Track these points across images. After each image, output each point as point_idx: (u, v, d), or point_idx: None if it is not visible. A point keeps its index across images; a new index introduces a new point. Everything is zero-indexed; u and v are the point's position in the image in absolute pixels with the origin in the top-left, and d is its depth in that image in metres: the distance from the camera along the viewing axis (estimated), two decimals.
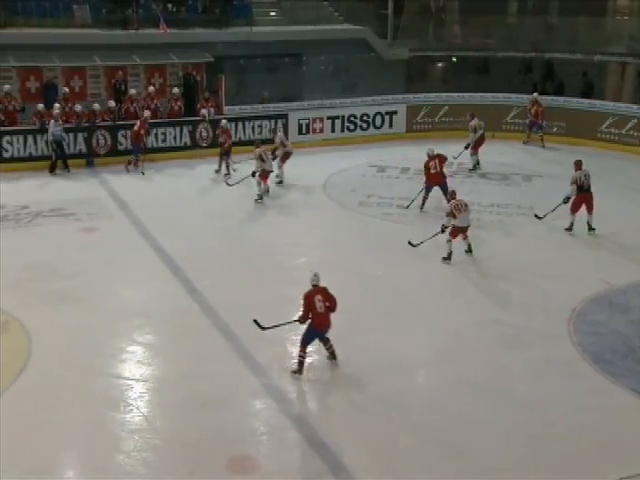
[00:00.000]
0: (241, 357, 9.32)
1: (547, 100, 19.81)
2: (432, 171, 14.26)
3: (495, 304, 10.78)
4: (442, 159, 14.31)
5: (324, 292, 8.72)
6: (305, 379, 9.02)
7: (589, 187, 13.16)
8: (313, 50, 20.41)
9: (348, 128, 19.59)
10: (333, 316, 10.48)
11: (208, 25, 19.91)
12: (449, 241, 12.23)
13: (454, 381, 8.85)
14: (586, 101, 19.57)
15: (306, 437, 7.87)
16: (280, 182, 15.79)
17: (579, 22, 21.58)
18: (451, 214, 12.16)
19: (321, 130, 19.39)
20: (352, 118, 19.61)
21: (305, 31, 20.86)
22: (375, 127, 19.82)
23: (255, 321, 8.91)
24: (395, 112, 19.91)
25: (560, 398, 8.51)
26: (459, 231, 12.26)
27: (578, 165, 13.28)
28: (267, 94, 20.00)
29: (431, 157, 14.35)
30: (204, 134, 18.20)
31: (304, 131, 19.23)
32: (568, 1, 21.95)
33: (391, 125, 19.90)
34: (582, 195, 13.13)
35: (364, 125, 19.76)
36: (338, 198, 15.38)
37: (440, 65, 24.19)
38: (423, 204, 14.47)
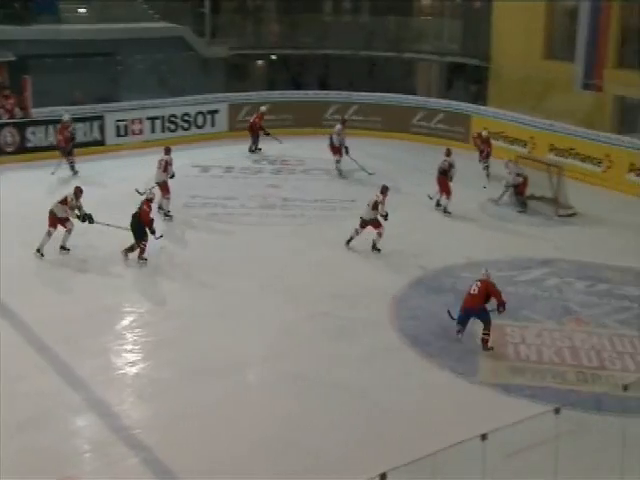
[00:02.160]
0: (59, 372, 8.87)
1: (365, 96, 20.70)
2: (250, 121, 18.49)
3: (323, 296, 11.09)
4: (261, 116, 18.42)
5: (486, 283, 9.71)
6: (131, 390, 8.77)
7: (444, 171, 14.71)
8: (129, 49, 19.85)
9: (169, 129, 19.26)
10: (163, 320, 10.38)
11: (8, 21, 18.71)
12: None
13: (286, 376, 9.00)
14: (400, 96, 20.65)
15: (133, 449, 7.65)
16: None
17: (390, 21, 22.75)
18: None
19: (141, 131, 18.91)
20: (173, 118, 19.31)
21: (119, 29, 20.22)
22: (197, 127, 19.66)
23: (449, 312, 9.83)
24: (217, 111, 19.87)
25: (386, 383, 8.92)
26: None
27: (445, 152, 15.02)
28: (80, 94, 19.15)
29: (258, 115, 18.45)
30: (9, 139, 17.09)
31: (122, 133, 18.64)
32: (378, 1, 23.10)
33: (213, 124, 19.84)
34: (439, 177, 14.79)
35: (186, 125, 19.52)
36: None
37: (260, 63, 24.46)
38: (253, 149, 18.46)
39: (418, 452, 7.26)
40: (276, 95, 20.77)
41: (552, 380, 8.99)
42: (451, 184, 14.75)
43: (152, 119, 19.01)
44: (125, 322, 10.30)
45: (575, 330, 10.15)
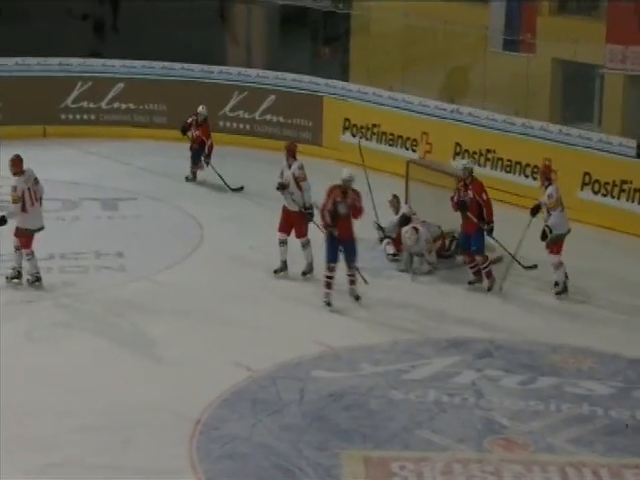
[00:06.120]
0: None
1: (136, 68, 20.78)
2: None
3: (60, 431, 10.85)
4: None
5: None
6: None
7: None
8: None
9: None
10: None
11: None
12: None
13: None
14: (200, 67, 20.97)
15: None
16: None
17: None
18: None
19: None
20: None
21: None
22: None
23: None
24: None
25: None
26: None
27: None
28: None
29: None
30: None
31: None
32: None
33: None
34: None
35: None
36: None
37: None
38: None
39: None
40: None
41: None
42: None
43: None
44: None
45: (505, 460, 10.55)
